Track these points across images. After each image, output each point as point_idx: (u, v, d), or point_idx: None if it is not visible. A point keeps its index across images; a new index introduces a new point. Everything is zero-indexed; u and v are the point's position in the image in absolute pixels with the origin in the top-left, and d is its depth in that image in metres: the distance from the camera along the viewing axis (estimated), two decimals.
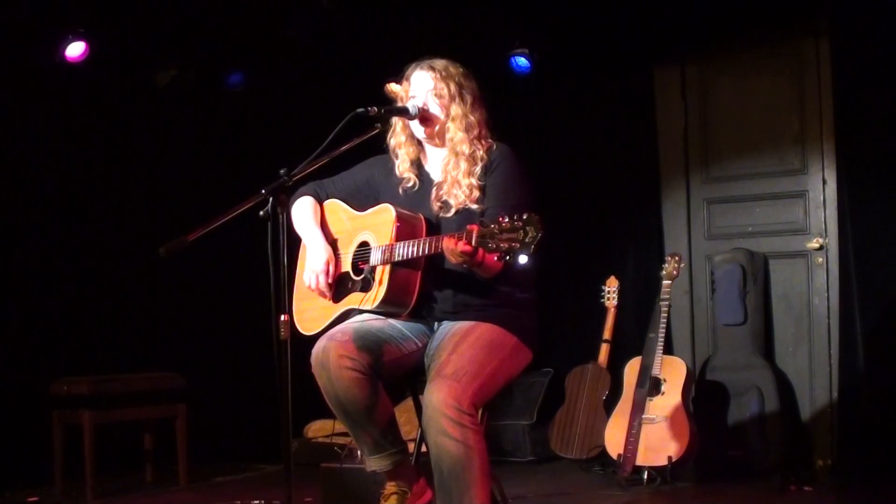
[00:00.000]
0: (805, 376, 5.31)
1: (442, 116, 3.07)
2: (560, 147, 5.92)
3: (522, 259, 2.57)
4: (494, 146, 3.09)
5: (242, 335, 5.77)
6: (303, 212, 3.24)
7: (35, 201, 5.59)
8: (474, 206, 2.97)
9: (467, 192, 2.99)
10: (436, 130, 3.09)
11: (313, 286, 3.12)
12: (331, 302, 3.15)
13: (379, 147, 3.21)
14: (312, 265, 3.13)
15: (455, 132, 3.05)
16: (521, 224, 2.55)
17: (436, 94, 3.07)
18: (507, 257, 2.57)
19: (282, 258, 2.68)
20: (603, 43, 5.65)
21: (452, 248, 2.70)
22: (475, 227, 2.62)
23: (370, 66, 4.20)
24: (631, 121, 5.79)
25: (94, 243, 5.82)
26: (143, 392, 4.95)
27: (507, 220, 2.57)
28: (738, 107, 5.57)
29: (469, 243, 2.64)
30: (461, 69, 3.13)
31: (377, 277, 3.00)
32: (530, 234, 2.54)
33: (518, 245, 2.54)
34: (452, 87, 3.07)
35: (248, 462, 5.70)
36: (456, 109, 3.06)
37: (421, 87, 3.09)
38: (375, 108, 3.00)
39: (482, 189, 3.00)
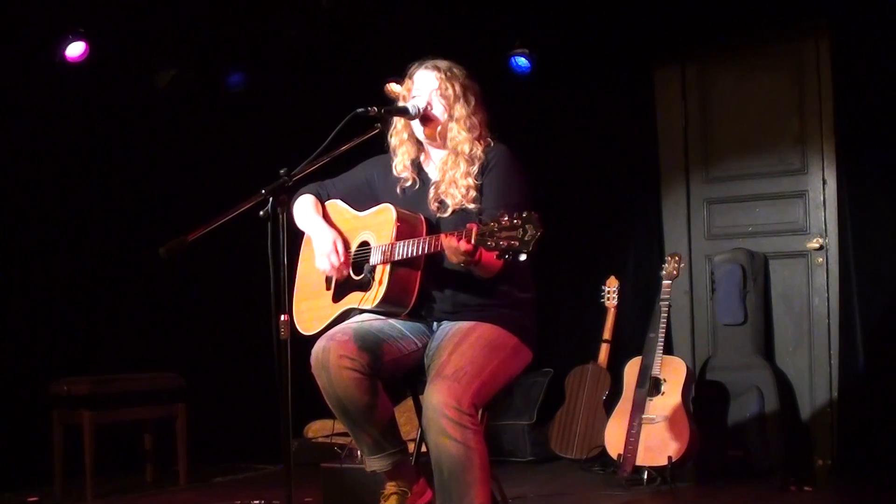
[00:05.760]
0: (805, 376, 5.31)
1: (445, 116, 3.07)
2: (560, 147, 5.92)
3: (522, 258, 2.57)
4: (491, 145, 3.09)
5: (242, 335, 5.77)
6: (305, 207, 3.24)
7: (35, 201, 5.58)
8: (471, 206, 2.97)
9: (464, 191, 2.98)
10: (437, 131, 3.07)
11: (327, 267, 3.09)
12: (331, 301, 3.15)
13: (379, 147, 3.21)
14: (321, 249, 3.11)
15: (458, 132, 3.05)
16: (520, 222, 2.54)
17: (440, 94, 3.07)
18: (507, 256, 2.56)
19: (282, 258, 2.69)
20: (603, 43, 5.65)
21: (453, 246, 2.70)
22: (474, 226, 2.62)
23: (370, 66, 4.20)
24: (631, 121, 5.78)
25: (95, 243, 5.82)
26: (143, 392, 4.94)
27: (506, 218, 2.56)
28: (738, 107, 5.57)
29: (469, 241, 2.64)
30: (464, 71, 3.12)
31: (377, 277, 2.99)
32: (529, 233, 2.53)
33: (517, 243, 2.54)
34: (457, 87, 3.07)
35: (247, 462, 5.70)
36: (460, 110, 3.06)
37: (425, 86, 3.09)
38: (375, 108, 3.00)
39: (479, 189, 2.99)
